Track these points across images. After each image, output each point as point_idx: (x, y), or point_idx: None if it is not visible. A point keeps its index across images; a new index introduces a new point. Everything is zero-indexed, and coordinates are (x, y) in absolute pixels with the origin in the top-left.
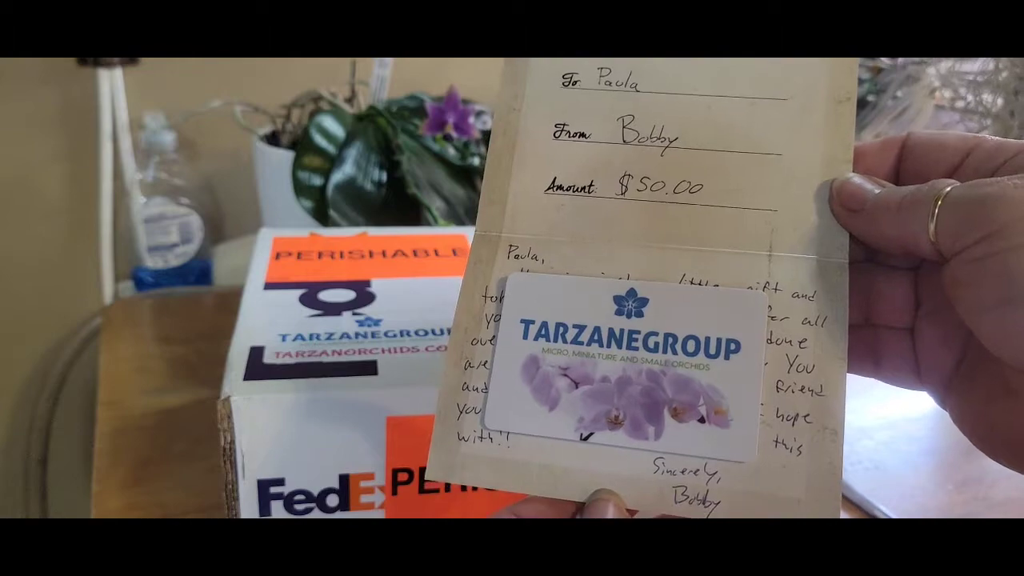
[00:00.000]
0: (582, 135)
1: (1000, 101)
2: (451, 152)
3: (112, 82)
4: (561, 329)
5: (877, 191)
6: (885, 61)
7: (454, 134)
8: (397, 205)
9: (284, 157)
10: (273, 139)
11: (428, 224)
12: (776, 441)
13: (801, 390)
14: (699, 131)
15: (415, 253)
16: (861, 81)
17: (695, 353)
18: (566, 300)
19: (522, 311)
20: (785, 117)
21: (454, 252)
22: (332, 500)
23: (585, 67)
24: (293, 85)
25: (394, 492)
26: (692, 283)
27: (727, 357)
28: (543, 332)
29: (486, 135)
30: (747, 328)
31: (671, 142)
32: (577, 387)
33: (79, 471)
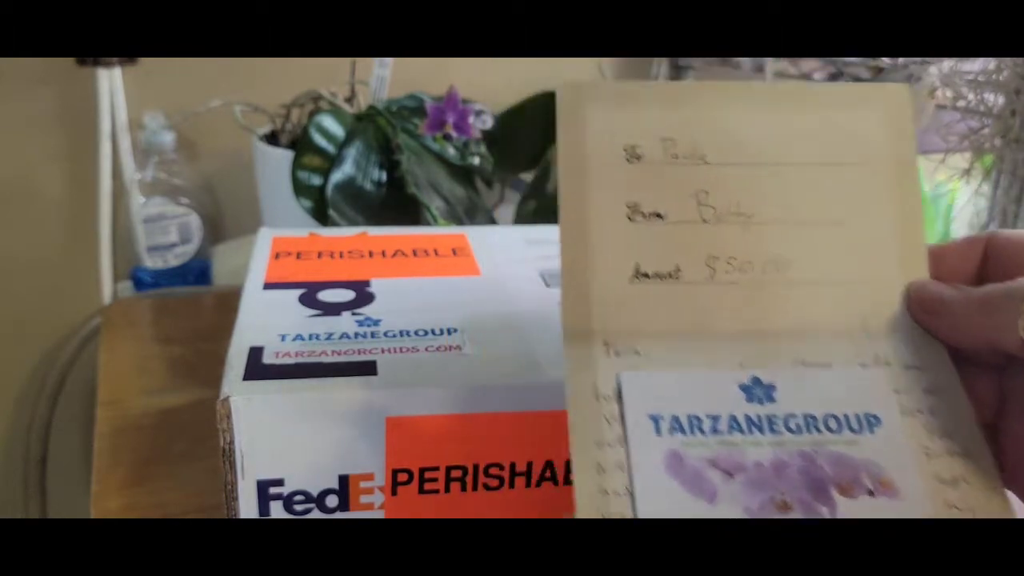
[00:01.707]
0: (658, 215)
1: (1001, 100)
2: (451, 152)
3: (111, 82)
4: (695, 421)
5: (955, 293)
6: (886, 61)
7: (454, 134)
8: (397, 205)
9: (284, 157)
10: (273, 139)
11: (428, 224)
12: (948, 504)
13: (950, 454)
14: (775, 203)
15: (415, 253)
16: (862, 80)
17: (839, 431)
18: (689, 393)
19: (647, 408)
20: (854, 183)
21: (454, 252)
22: (332, 500)
23: (647, 139)
24: (293, 85)
25: (394, 493)
26: (806, 365)
27: (872, 431)
28: (676, 426)
29: (485, 135)
30: (879, 403)
31: (750, 217)
32: (732, 477)
33: (78, 471)
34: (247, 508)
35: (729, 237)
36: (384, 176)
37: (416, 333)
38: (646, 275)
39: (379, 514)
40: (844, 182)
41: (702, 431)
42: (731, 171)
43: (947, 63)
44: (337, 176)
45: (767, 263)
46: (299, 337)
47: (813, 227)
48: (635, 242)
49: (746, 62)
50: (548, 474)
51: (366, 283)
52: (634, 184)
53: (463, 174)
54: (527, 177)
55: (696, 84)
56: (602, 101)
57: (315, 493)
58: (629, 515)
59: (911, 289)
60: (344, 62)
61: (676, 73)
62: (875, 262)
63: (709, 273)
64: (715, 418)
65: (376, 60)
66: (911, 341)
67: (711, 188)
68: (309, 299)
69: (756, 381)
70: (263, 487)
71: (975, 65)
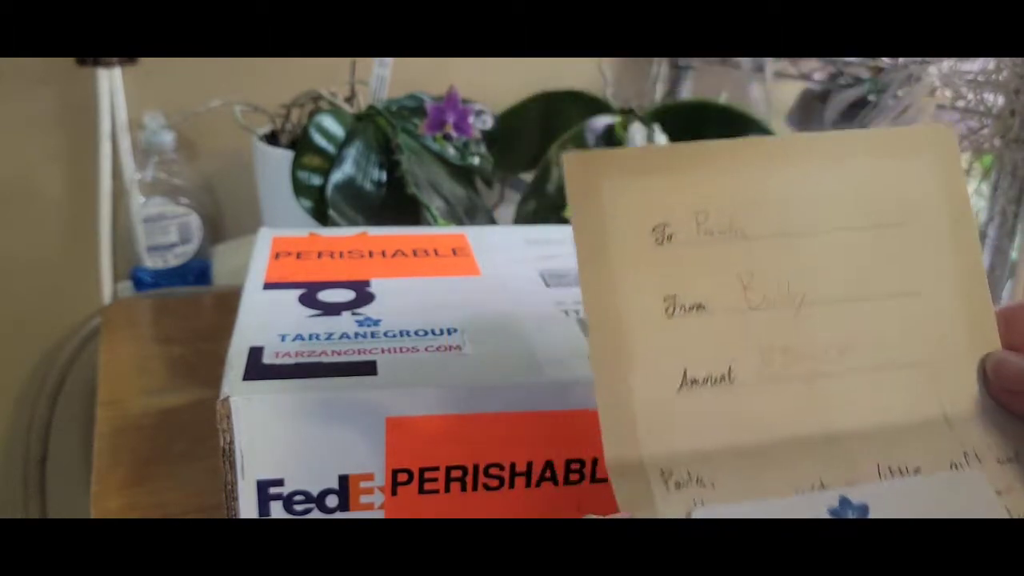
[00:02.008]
0: (700, 307)
1: (1001, 100)
2: (451, 152)
3: (111, 82)
4: None
5: None
6: (886, 61)
7: (454, 134)
8: (397, 205)
9: (283, 157)
10: (272, 139)
11: (428, 224)
12: None
13: None
14: (827, 278)
15: (415, 253)
16: (861, 81)
17: None
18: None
19: None
20: (908, 245)
21: (454, 252)
22: (332, 500)
23: (676, 214)
24: (292, 85)
25: (394, 492)
26: (892, 473)
27: None
28: None
29: (485, 135)
30: (984, 510)
31: (802, 298)
32: None
33: (78, 471)
34: (247, 508)
35: (782, 324)
36: (384, 176)
37: (416, 333)
38: (695, 381)
39: (379, 514)
40: (898, 246)
41: None
42: (774, 245)
43: (947, 63)
44: (337, 176)
45: (827, 350)
46: (299, 337)
47: (871, 302)
48: (678, 342)
49: (746, 62)
50: (548, 474)
51: (366, 283)
52: (668, 272)
53: (463, 174)
54: (527, 177)
55: (722, 143)
56: (619, 172)
57: (315, 493)
58: None
59: (988, 366)
60: (344, 62)
61: (676, 73)
62: (943, 335)
63: (765, 370)
64: None
65: (376, 60)
66: (998, 425)
67: (755, 268)
68: (309, 299)
69: (845, 503)
70: (263, 487)
71: (975, 65)
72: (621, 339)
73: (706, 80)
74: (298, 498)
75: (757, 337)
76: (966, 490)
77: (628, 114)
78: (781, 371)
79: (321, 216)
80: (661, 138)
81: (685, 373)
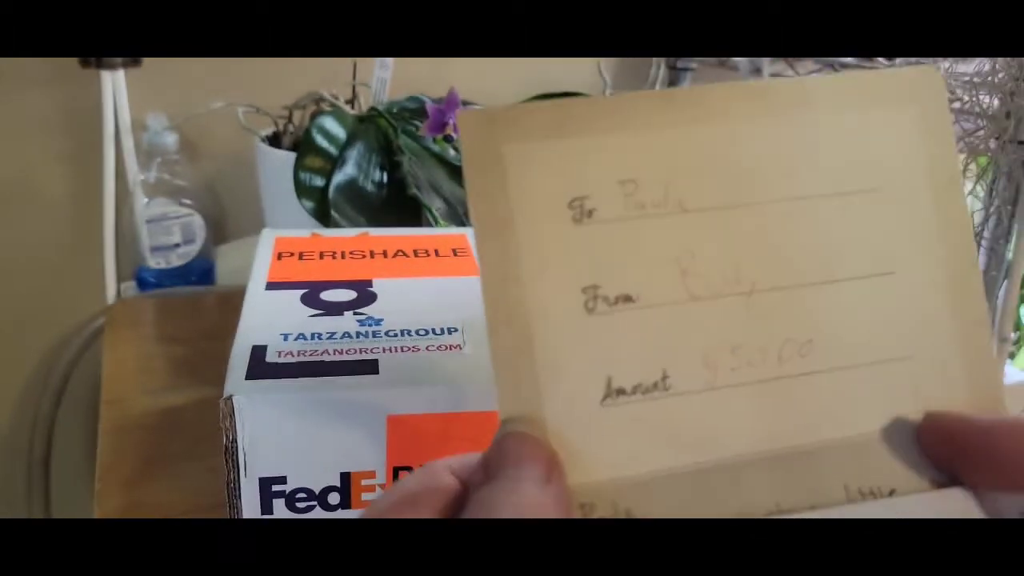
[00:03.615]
0: (628, 299)
1: (996, 102)
2: (451, 153)
3: (115, 84)
4: None
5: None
6: (882, 62)
7: (454, 135)
8: (398, 206)
9: (286, 158)
10: (275, 140)
11: (429, 225)
12: None
13: None
14: (785, 259)
15: (416, 253)
16: None
17: None
18: None
19: None
20: (886, 216)
21: (454, 252)
22: (333, 498)
23: (598, 185)
24: (294, 87)
25: None
26: (863, 494)
27: None
28: None
29: None
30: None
31: (754, 284)
32: None
33: (82, 470)
34: (249, 506)
35: (729, 319)
36: (385, 177)
37: (417, 332)
38: (622, 391)
39: None
40: (870, 216)
41: None
42: (721, 219)
43: (942, 64)
44: (339, 177)
45: (785, 348)
46: (301, 336)
47: (837, 287)
48: (600, 343)
49: (744, 65)
50: None
51: (368, 283)
52: (589, 259)
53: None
54: None
55: (651, 94)
56: (525, 135)
57: (317, 490)
58: None
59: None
60: (345, 64)
61: (674, 75)
62: (923, 325)
63: (709, 376)
64: None
65: (377, 62)
66: None
67: (696, 249)
68: (311, 299)
69: None
70: (265, 485)
71: (970, 67)
72: (529, 340)
73: (704, 82)
74: (300, 496)
75: (699, 335)
76: (951, 514)
77: None
78: (728, 376)
79: (323, 217)
80: None
81: (609, 382)
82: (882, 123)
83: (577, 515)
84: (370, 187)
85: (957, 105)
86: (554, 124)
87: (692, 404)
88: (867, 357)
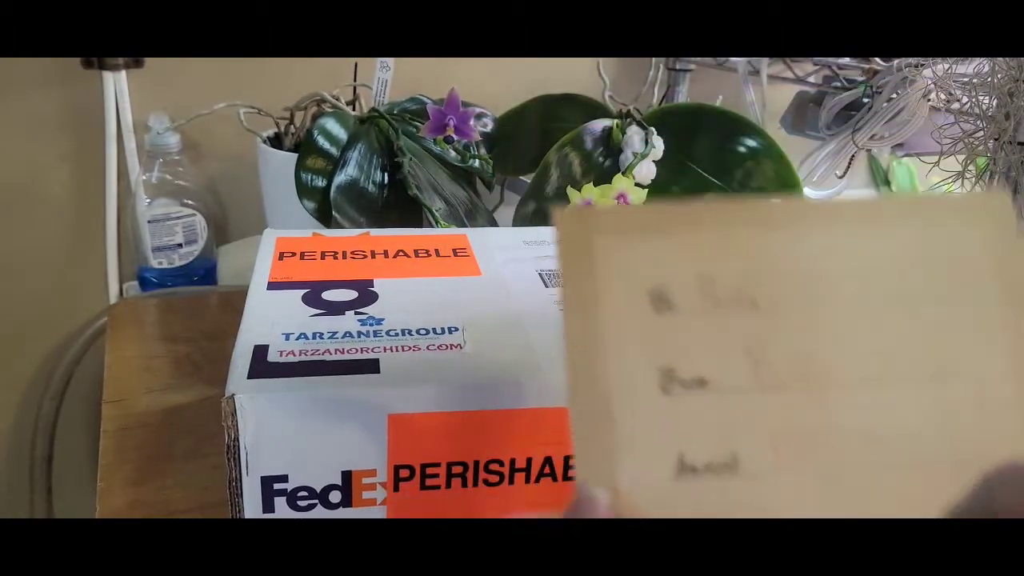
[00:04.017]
0: (702, 382)
1: (995, 103)
2: (452, 154)
3: (117, 85)
4: None
5: None
6: (880, 63)
7: (455, 136)
8: (399, 206)
9: (287, 159)
10: (276, 141)
11: (429, 225)
12: None
13: None
14: (853, 357)
15: (417, 253)
16: (856, 83)
17: None
18: None
19: None
20: (953, 324)
21: (455, 252)
22: (335, 496)
23: (678, 278)
24: (296, 88)
25: (396, 488)
26: None
27: None
28: None
29: (486, 137)
30: None
31: (823, 378)
32: None
33: (84, 469)
34: (251, 504)
35: (796, 408)
36: (386, 178)
37: (418, 332)
38: (694, 468)
39: (381, 509)
40: (941, 324)
41: None
42: (790, 317)
43: (941, 65)
44: (340, 178)
45: (850, 440)
46: (303, 336)
47: (904, 387)
48: (675, 423)
49: (742, 66)
50: (547, 470)
51: (369, 283)
52: (667, 340)
53: (464, 176)
54: (527, 179)
55: (734, 203)
56: (614, 229)
57: (318, 489)
58: None
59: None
60: (347, 65)
61: (673, 77)
62: (990, 430)
63: (775, 460)
64: None
65: (378, 63)
66: None
67: (767, 341)
68: (313, 298)
69: None
70: (267, 483)
71: (968, 68)
72: (607, 411)
73: (703, 83)
74: (302, 494)
75: (767, 421)
76: None
77: (626, 117)
78: (793, 463)
79: (324, 217)
80: (658, 141)
81: (682, 458)
82: (952, 239)
83: None
84: (371, 188)
85: (956, 106)
86: (641, 221)
87: (759, 487)
88: (934, 456)
